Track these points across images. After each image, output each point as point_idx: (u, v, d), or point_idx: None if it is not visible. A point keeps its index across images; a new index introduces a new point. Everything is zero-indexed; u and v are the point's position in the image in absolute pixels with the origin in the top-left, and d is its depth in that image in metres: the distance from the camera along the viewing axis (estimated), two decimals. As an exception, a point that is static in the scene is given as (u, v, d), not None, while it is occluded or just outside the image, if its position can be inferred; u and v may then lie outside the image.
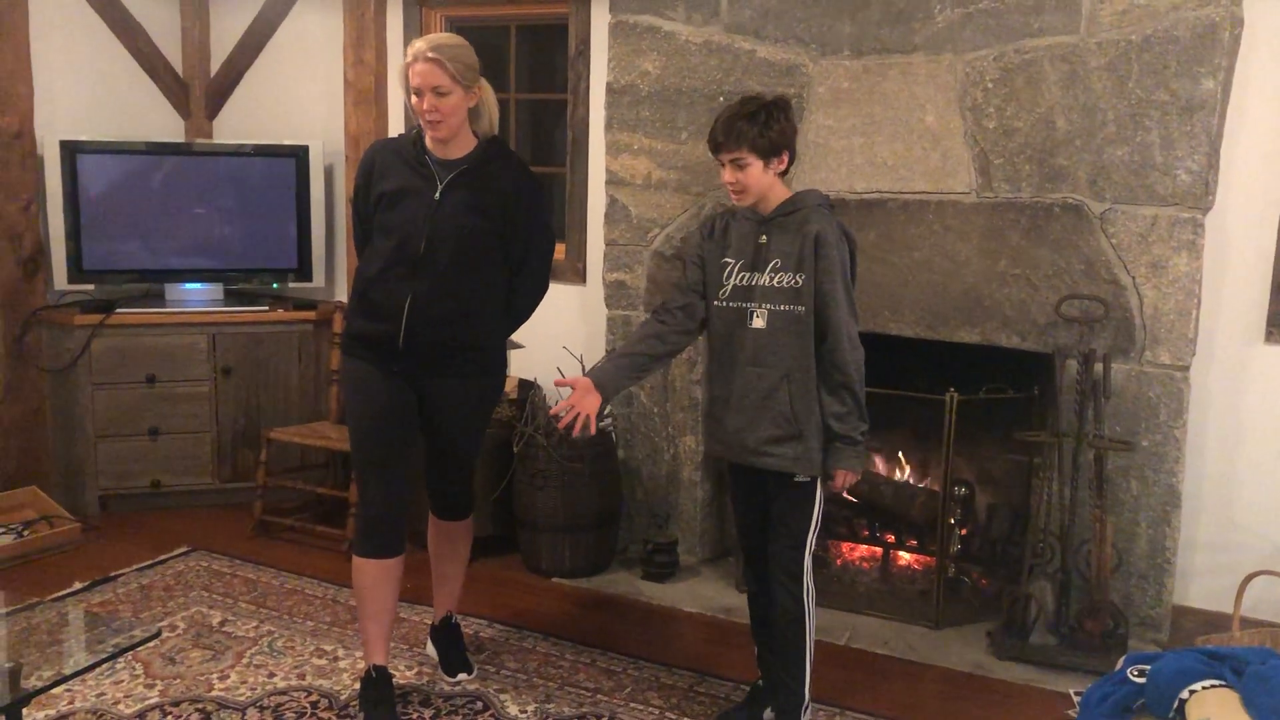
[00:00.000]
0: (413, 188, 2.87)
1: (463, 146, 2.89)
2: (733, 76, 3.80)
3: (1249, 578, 3.20)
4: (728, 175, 2.69)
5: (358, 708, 2.99)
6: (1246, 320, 3.44)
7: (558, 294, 4.42)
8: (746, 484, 2.86)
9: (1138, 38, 3.26)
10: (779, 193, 2.73)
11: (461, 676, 3.21)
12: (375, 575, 2.94)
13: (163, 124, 5.00)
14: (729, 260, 2.78)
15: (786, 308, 2.68)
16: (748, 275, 2.74)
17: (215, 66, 5.06)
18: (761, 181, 2.68)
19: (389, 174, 2.89)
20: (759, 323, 2.71)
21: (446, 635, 3.29)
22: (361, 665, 3.25)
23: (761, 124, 2.64)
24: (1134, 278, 3.36)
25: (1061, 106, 3.38)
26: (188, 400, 4.49)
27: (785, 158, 2.70)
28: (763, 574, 2.86)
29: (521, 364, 4.50)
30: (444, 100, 2.77)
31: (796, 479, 2.72)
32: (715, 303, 2.79)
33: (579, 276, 4.40)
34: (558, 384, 2.88)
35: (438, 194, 2.85)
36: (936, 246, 3.59)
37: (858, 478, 2.73)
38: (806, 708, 2.79)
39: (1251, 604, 3.29)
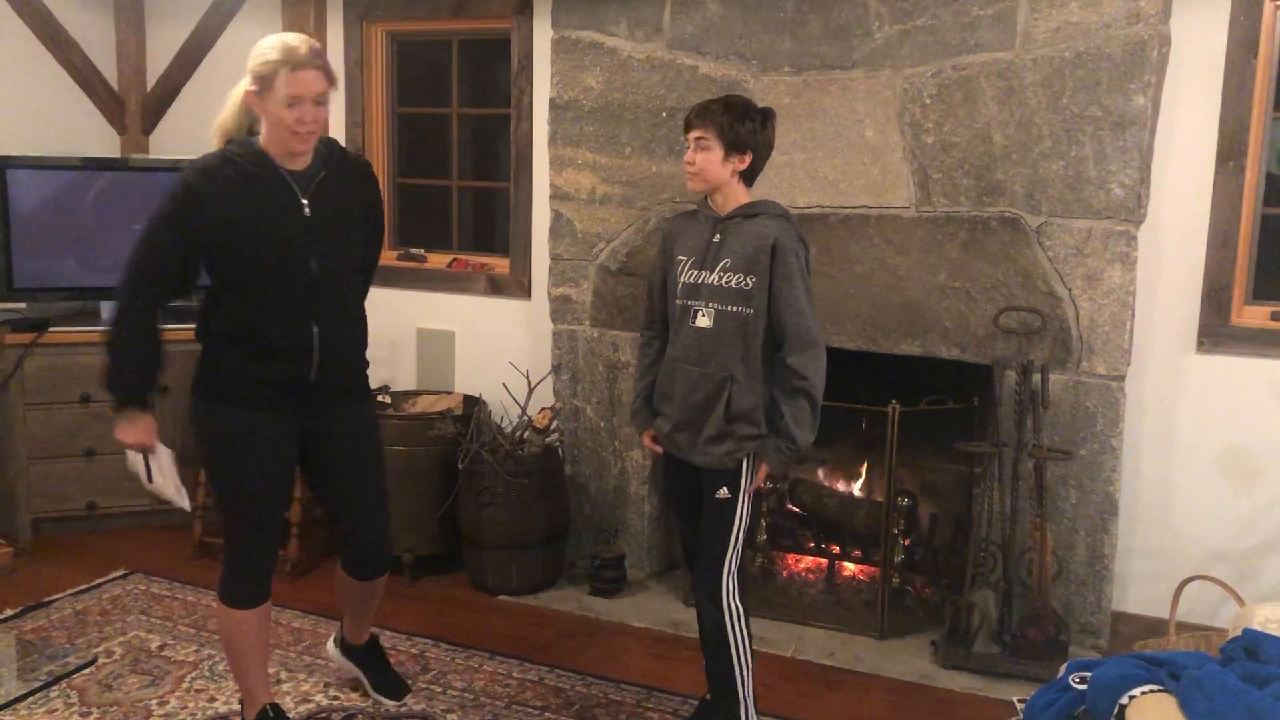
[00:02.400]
0: (276, 205, 2.61)
1: (307, 157, 2.66)
2: (675, 92, 3.82)
3: (1184, 583, 3.25)
4: (689, 154, 2.72)
5: None
6: (1179, 331, 3.52)
7: (503, 309, 4.45)
8: (684, 484, 2.87)
9: (1071, 54, 3.33)
10: (738, 194, 2.75)
11: (409, 698, 3.15)
12: (257, 623, 2.80)
13: (97, 139, 4.91)
14: (681, 257, 2.79)
15: (734, 309, 2.69)
16: (697, 273, 2.75)
17: (151, 80, 4.98)
18: (718, 172, 2.70)
19: (241, 193, 2.58)
20: (703, 321, 2.72)
21: (377, 656, 3.21)
22: (305, 688, 3.21)
23: (735, 116, 2.67)
24: (1070, 290, 3.43)
25: (998, 122, 3.44)
26: (124, 420, 4.40)
27: (747, 158, 2.71)
28: None
29: (468, 380, 4.49)
30: (319, 110, 2.56)
31: (718, 495, 2.72)
32: (674, 300, 2.80)
33: (524, 291, 4.38)
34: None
35: (307, 211, 2.63)
36: (877, 260, 3.63)
37: (778, 476, 2.74)
38: (748, 711, 2.77)
39: (1187, 608, 3.36)
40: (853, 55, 3.58)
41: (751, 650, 2.80)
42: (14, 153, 4.37)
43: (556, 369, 4.14)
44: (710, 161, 2.69)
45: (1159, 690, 2.10)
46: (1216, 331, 3.47)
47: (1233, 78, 3.38)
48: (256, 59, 2.55)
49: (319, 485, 2.93)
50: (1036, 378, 3.43)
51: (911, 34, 3.51)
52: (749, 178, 2.76)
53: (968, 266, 3.53)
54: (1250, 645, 2.17)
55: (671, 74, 3.82)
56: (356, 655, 3.21)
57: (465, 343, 4.52)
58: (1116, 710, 2.12)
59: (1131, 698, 2.11)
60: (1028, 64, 3.38)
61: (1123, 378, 3.42)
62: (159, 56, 4.96)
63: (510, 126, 4.37)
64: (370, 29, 4.62)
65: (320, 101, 2.56)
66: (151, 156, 4.89)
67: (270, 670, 3.32)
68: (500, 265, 4.49)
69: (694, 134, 2.70)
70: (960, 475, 3.91)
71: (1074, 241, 3.41)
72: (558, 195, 4.06)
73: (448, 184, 4.70)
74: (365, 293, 2.94)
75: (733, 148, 2.68)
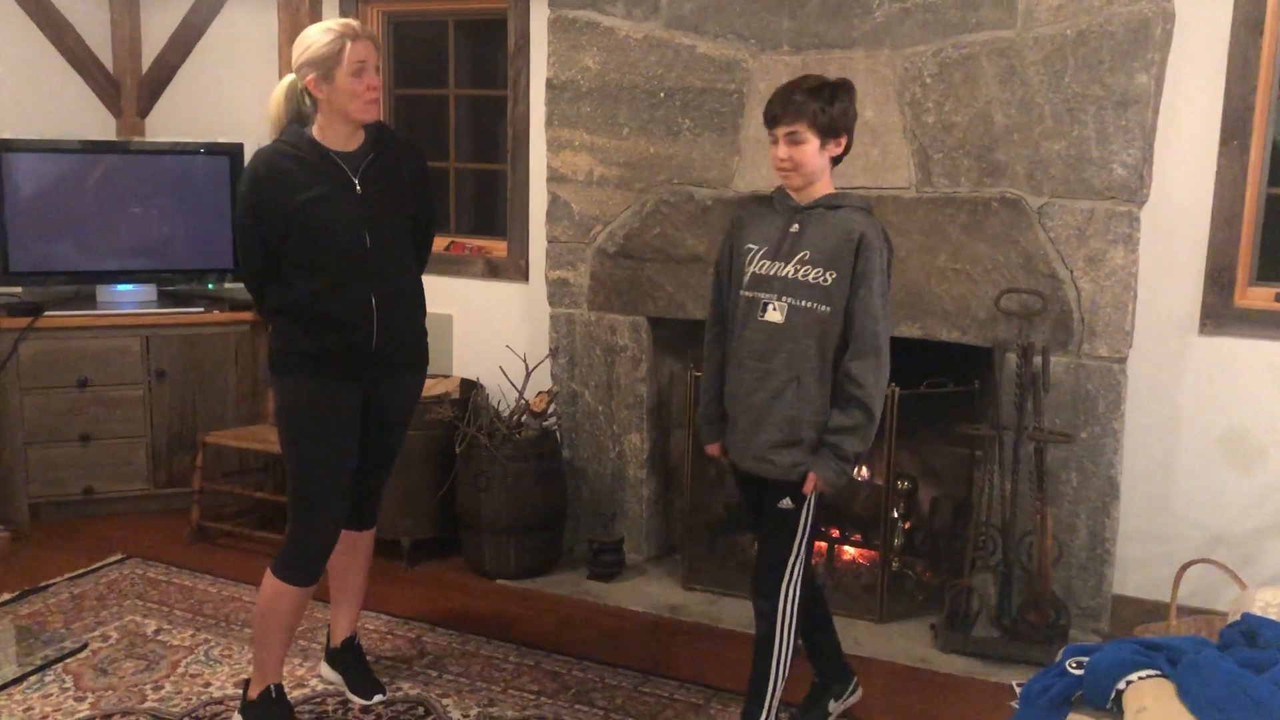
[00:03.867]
0: (332, 189, 2.76)
1: (358, 137, 2.83)
2: (674, 72, 3.78)
3: (1185, 567, 3.23)
4: (781, 151, 2.55)
5: None
6: (1181, 312, 3.48)
7: (501, 292, 4.42)
8: (751, 493, 2.78)
9: (1073, 33, 3.29)
10: (824, 183, 2.62)
11: (378, 697, 3.09)
12: (299, 601, 2.86)
13: (93, 122, 4.88)
14: (752, 246, 2.65)
15: (810, 305, 2.56)
16: (769, 264, 2.61)
17: (147, 63, 4.95)
18: (815, 162, 2.56)
19: (300, 182, 2.74)
20: (775, 316, 2.59)
21: (353, 657, 3.17)
22: (300, 672, 3.20)
23: (825, 100, 2.53)
24: (1071, 271, 3.39)
25: (999, 101, 3.40)
26: (121, 405, 4.39)
27: (844, 141, 2.59)
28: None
29: (465, 364, 4.47)
30: (379, 78, 2.77)
31: (780, 505, 2.63)
32: (739, 292, 2.67)
33: (521, 274, 4.36)
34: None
35: (359, 189, 2.78)
36: (877, 242, 3.59)
37: (830, 490, 2.64)
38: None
39: (1189, 592, 3.33)
40: (852, 34, 3.54)
41: (791, 660, 2.73)
42: (9, 136, 4.34)
43: (554, 352, 4.11)
44: (807, 154, 2.54)
45: (1157, 675, 2.08)
46: (1219, 313, 3.43)
47: (1237, 56, 3.33)
48: (313, 46, 2.70)
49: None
50: (1037, 360, 3.40)
51: (911, 12, 3.46)
52: (838, 162, 2.63)
53: (968, 248, 3.49)
54: (1249, 630, 2.15)
55: (669, 54, 3.78)
56: (336, 659, 3.18)
57: (463, 326, 4.49)
58: (1113, 695, 2.09)
59: (1129, 683, 2.09)
60: (1029, 42, 3.34)
61: (1124, 360, 3.39)
62: (154, 38, 4.92)
63: (507, 108, 4.33)
64: (366, 10, 4.58)
65: (378, 68, 2.76)
66: (147, 139, 4.85)
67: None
68: (498, 248, 4.46)
69: (784, 129, 2.53)
70: (960, 458, 3.88)
71: (1076, 222, 3.37)
72: (555, 177, 4.02)
73: (445, 166, 4.66)
74: (422, 267, 3.05)
75: (829, 134, 2.54)
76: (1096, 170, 3.32)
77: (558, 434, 4.09)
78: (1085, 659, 2.20)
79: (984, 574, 3.51)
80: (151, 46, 4.93)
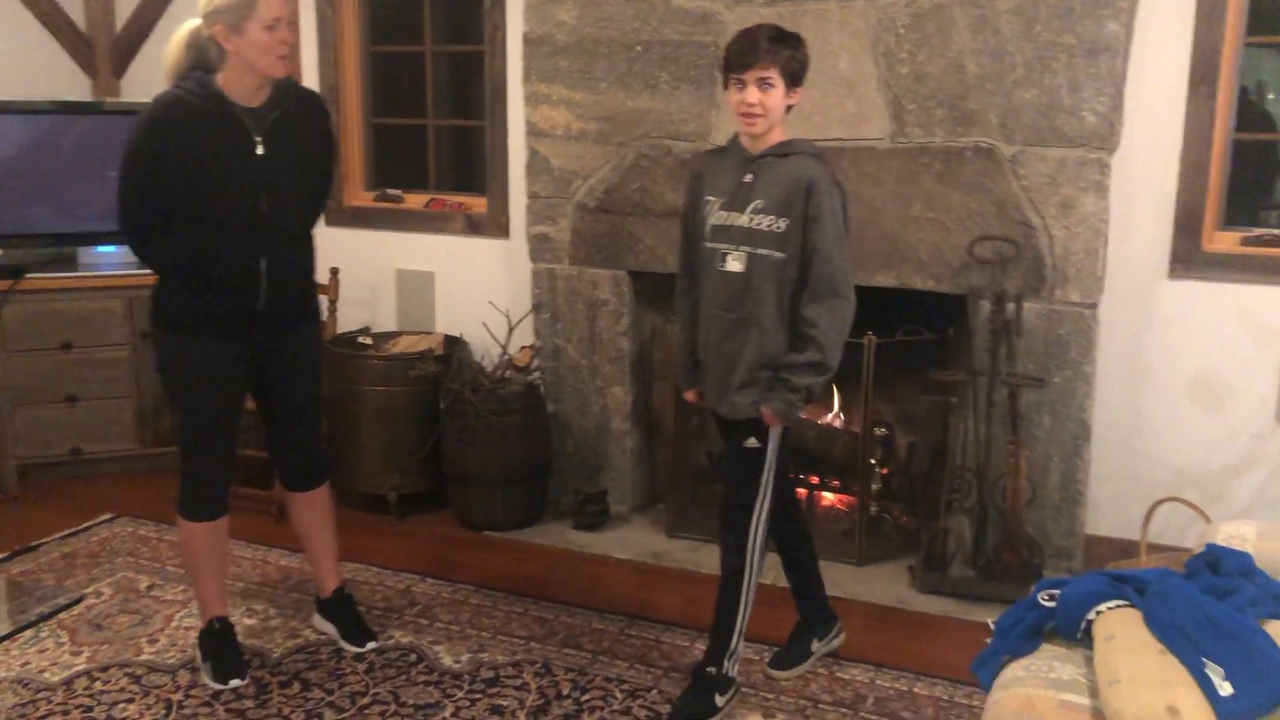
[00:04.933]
0: (230, 146, 2.70)
1: (265, 91, 2.75)
2: (650, 25, 3.79)
3: (1155, 505, 3.31)
4: (750, 95, 2.56)
5: (201, 659, 3.00)
6: (1151, 257, 3.55)
7: (482, 249, 4.45)
8: (725, 434, 2.86)
9: (1044, -18, 3.32)
10: (777, 132, 2.66)
11: (371, 644, 3.15)
12: (211, 536, 2.96)
13: (67, 83, 4.85)
14: (711, 198, 2.70)
15: (766, 252, 2.61)
16: (726, 215, 2.66)
17: (120, 23, 4.91)
18: (779, 109, 2.60)
19: (200, 135, 2.67)
20: (735, 265, 2.64)
21: (343, 606, 3.21)
22: (294, 624, 3.27)
23: (793, 47, 2.57)
24: (1044, 218, 3.45)
25: (971, 51, 3.44)
26: (107, 366, 4.41)
27: (799, 93, 2.63)
28: (784, 524, 2.93)
29: (449, 320, 4.51)
30: (291, 32, 2.70)
31: (746, 444, 2.71)
32: (701, 242, 2.72)
33: (502, 230, 4.38)
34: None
35: (260, 149, 2.72)
36: (853, 192, 3.60)
37: (784, 423, 2.70)
38: (732, 655, 2.83)
39: (1158, 530, 3.42)
40: (827, -15, 3.57)
41: (756, 591, 2.83)
42: (-17, 98, 4.33)
43: (536, 308, 4.15)
44: (774, 100, 2.56)
45: (1125, 605, 2.16)
46: (1188, 258, 3.50)
47: (1205, 2, 3.37)
48: None
49: (265, 405, 3.04)
50: (1011, 306, 3.46)
51: (885, -37, 3.49)
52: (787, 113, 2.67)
53: (942, 197, 3.54)
54: (1212, 559, 2.23)
55: (645, 7, 3.79)
56: (328, 609, 3.23)
57: (444, 283, 4.52)
58: (1084, 625, 2.17)
59: (1098, 613, 2.16)
60: (1001, -8, 3.37)
61: (1095, 305, 3.46)
62: (127, -2, 4.89)
63: (485, 63, 4.34)
64: (341, -34, 4.56)
65: (292, 23, 2.71)
66: (125, 100, 4.83)
67: (259, 607, 3.38)
68: (478, 205, 4.48)
69: (756, 74, 2.55)
70: (936, 405, 3.95)
71: (1048, 170, 3.42)
72: (534, 132, 4.04)
73: (423, 123, 4.67)
74: (315, 221, 3.04)
75: (793, 82, 2.59)
76: (1068, 118, 3.37)
77: (541, 388, 4.14)
78: (1056, 591, 2.28)
79: (959, 516, 3.60)
80: (125, 6, 4.89)
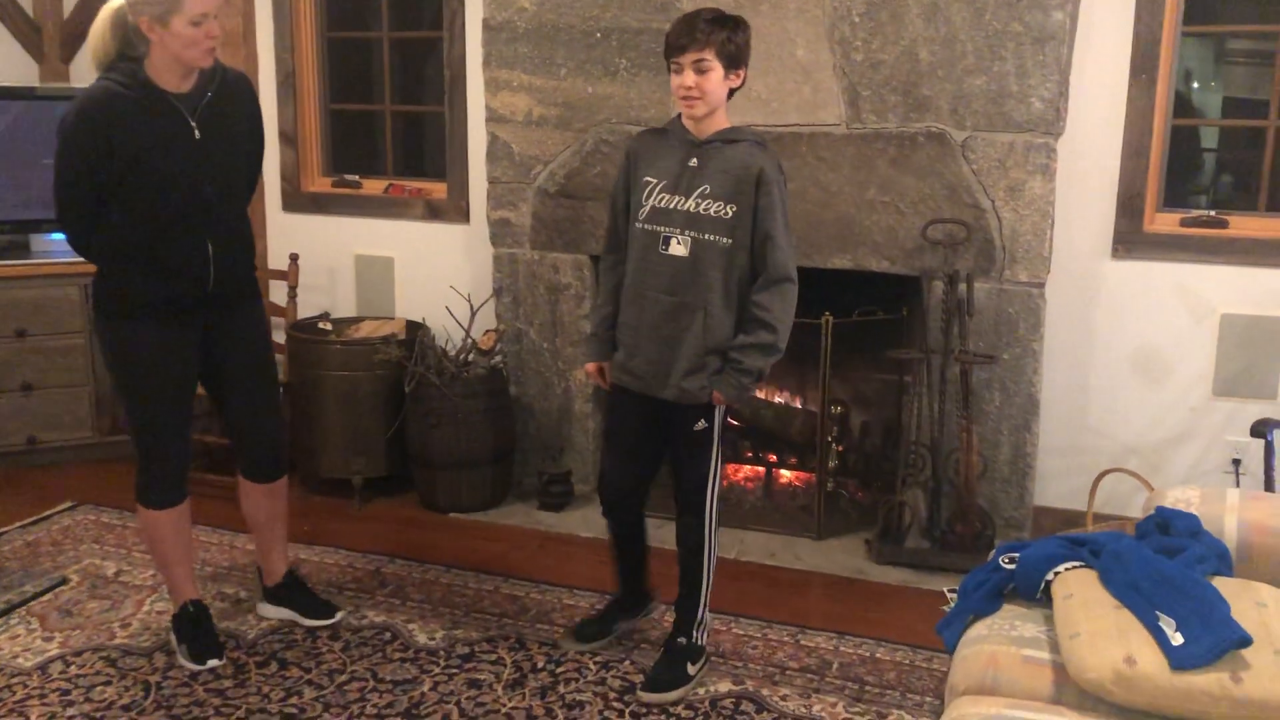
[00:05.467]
0: (168, 134, 2.71)
1: (193, 76, 2.75)
2: (609, 12, 3.85)
3: (1100, 476, 3.47)
4: (687, 79, 2.58)
5: (177, 641, 3.02)
6: (1095, 238, 3.70)
7: (442, 234, 4.48)
8: (637, 419, 2.87)
9: (993, -28, 3.44)
10: (720, 118, 2.68)
11: (340, 614, 3.19)
12: (173, 523, 2.98)
13: (13, 68, 4.78)
14: (650, 179, 2.70)
15: (713, 238, 2.65)
16: (669, 198, 2.68)
17: (69, 7, 4.85)
18: (718, 92, 2.61)
19: (136, 126, 2.67)
20: (679, 249, 2.66)
21: (298, 587, 3.24)
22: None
23: (730, 28, 2.58)
24: (993, 201, 3.57)
25: (924, 39, 3.54)
26: (62, 354, 4.37)
27: (742, 74, 2.65)
28: (633, 504, 2.99)
29: (409, 305, 4.53)
30: (217, 24, 2.67)
31: (695, 427, 2.78)
32: (635, 223, 2.73)
33: (463, 216, 4.42)
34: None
35: (197, 134, 2.74)
36: (810, 177, 3.74)
37: (735, 405, 2.73)
38: (700, 625, 2.93)
39: (1104, 500, 3.59)
40: (783, -26, 3.65)
41: (716, 562, 2.93)
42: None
43: (498, 292, 4.20)
44: (712, 83, 2.58)
45: (1081, 566, 2.28)
46: (1130, 238, 3.65)
47: (1145, -7, 3.52)
48: None
49: (218, 390, 3.05)
50: (962, 287, 3.58)
51: (840, -47, 3.58)
52: (731, 96, 2.69)
53: (896, 181, 3.65)
54: (1162, 521, 2.36)
55: (605, -6, 3.85)
56: (280, 594, 3.23)
57: (405, 268, 4.55)
58: (1043, 585, 2.29)
59: (1056, 573, 2.28)
60: (952, -19, 3.48)
61: (1043, 285, 3.60)
62: (75, -18, 4.83)
63: (443, 49, 4.36)
64: (295, -48, 4.55)
65: (218, 16, 2.67)
66: (60, 85, 4.77)
67: (230, 590, 3.40)
68: (437, 190, 4.51)
69: (690, 57, 2.56)
70: (890, 383, 4.07)
71: (997, 154, 3.54)
72: (494, 118, 4.08)
73: (381, 109, 4.68)
74: (248, 201, 3.03)
75: (732, 64, 2.60)
76: (1016, 104, 3.49)
77: (504, 371, 4.19)
78: (1016, 555, 2.40)
79: (914, 490, 3.72)
80: (73, -10, 4.84)
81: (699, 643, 2.93)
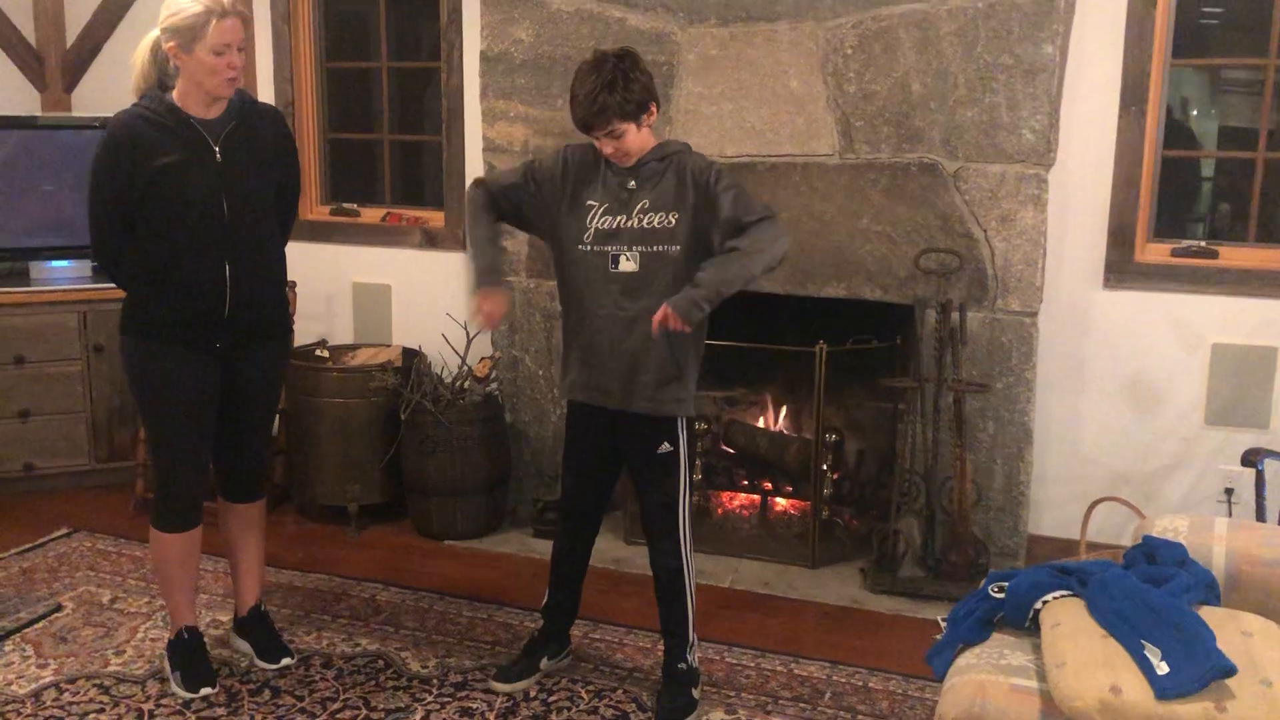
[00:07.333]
0: (190, 156, 2.78)
1: (221, 104, 2.83)
2: (605, 44, 3.86)
3: (1093, 505, 3.47)
4: (607, 149, 2.70)
5: (171, 669, 3.02)
6: (1087, 268, 3.72)
7: (439, 262, 4.50)
8: (598, 435, 2.91)
9: (984, 5, 3.48)
10: (647, 142, 2.76)
11: (285, 660, 3.12)
12: (184, 547, 2.99)
13: (17, 97, 4.83)
14: (593, 203, 2.76)
15: (660, 249, 2.71)
16: (611, 219, 2.74)
17: (71, 37, 4.91)
18: (640, 140, 2.71)
19: (158, 147, 2.75)
20: (629, 265, 2.72)
21: (259, 623, 3.19)
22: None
23: (622, 90, 2.63)
24: (985, 231, 3.60)
25: (916, 71, 3.58)
26: (59, 380, 4.39)
27: (653, 109, 2.71)
28: (588, 526, 3.05)
29: (406, 333, 4.55)
30: (243, 57, 2.77)
31: (659, 450, 2.81)
32: (578, 247, 2.75)
33: (460, 244, 4.44)
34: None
35: (219, 157, 2.80)
36: (803, 206, 3.77)
37: (678, 326, 2.60)
38: (692, 647, 2.94)
39: (1097, 528, 3.59)
40: (776, 7, 3.69)
41: (695, 583, 2.95)
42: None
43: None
44: (630, 140, 2.67)
45: (1069, 595, 2.29)
46: (1121, 268, 3.68)
47: (1134, 27, 3.55)
48: (178, 15, 2.70)
49: (221, 415, 3.02)
50: (955, 316, 3.61)
51: (833, -14, 3.63)
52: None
53: (889, 211, 3.68)
54: (1149, 550, 2.36)
55: (600, 26, 3.90)
56: (244, 627, 3.20)
57: (402, 296, 4.58)
58: (1031, 614, 2.30)
59: (1045, 602, 2.29)
60: (943, 15, 3.52)
61: (1035, 314, 3.62)
62: (79, 12, 4.87)
63: (441, 80, 4.41)
64: (296, -17, 4.60)
65: (242, 48, 2.76)
66: (62, 114, 4.81)
67: (224, 618, 3.40)
68: (435, 218, 4.55)
69: (599, 132, 2.65)
70: (884, 411, 4.09)
71: (988, 185, 3.57)
72: (490, 148, 4.12)
73: (379, 138, 4.72)
74: (285, 237, 3.09)
75: (638, 114, 2.66)
76: (1007, 135, 3.53)
77: (500, 399, 4.21)
78: (1006, 584, 2.40)
79: (909, 518, 3.73)
80: (76, 20, 4.88)
81: (694, 665, 2.95)
